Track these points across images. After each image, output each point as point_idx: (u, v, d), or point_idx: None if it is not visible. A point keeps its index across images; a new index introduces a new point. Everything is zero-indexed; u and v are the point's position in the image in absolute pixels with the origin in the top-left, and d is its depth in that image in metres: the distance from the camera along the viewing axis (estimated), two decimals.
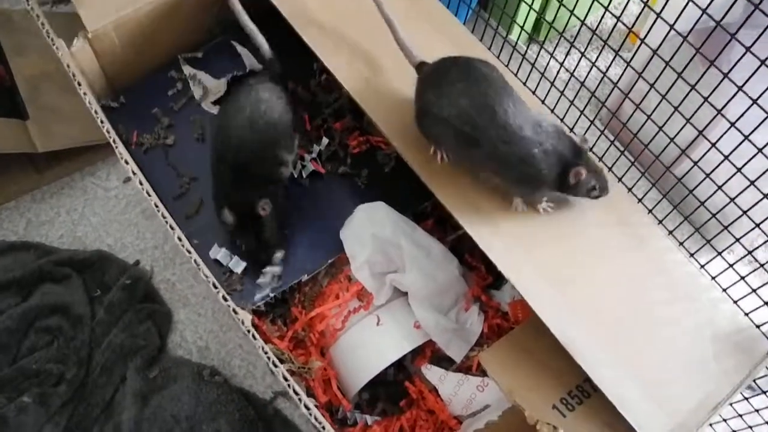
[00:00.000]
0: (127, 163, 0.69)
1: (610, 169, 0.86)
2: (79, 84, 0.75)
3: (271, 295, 0.81)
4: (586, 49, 0.87)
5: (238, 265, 0.82)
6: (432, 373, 0.82)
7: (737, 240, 0.77)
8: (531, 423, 0.65)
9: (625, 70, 0.82)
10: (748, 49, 0.63)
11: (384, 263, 0.80)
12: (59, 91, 1.10)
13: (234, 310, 0.59)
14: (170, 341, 1.01)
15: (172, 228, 0.65)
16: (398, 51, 0.76)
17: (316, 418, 0.54)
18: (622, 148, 0.88)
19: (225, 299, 0.60)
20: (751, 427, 0.84)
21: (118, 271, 1.03)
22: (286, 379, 0.54)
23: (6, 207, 1.10)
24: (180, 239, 0.64)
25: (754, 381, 0.83)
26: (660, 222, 0.85)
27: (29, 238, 1.07)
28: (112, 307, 0.98)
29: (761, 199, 0.69)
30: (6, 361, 0.93)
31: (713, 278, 0.79)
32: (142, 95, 0.94)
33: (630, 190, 0.86)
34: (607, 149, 0.90)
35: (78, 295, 0.99)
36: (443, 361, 0.83)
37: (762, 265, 0.75)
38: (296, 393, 0.54)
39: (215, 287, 0.61)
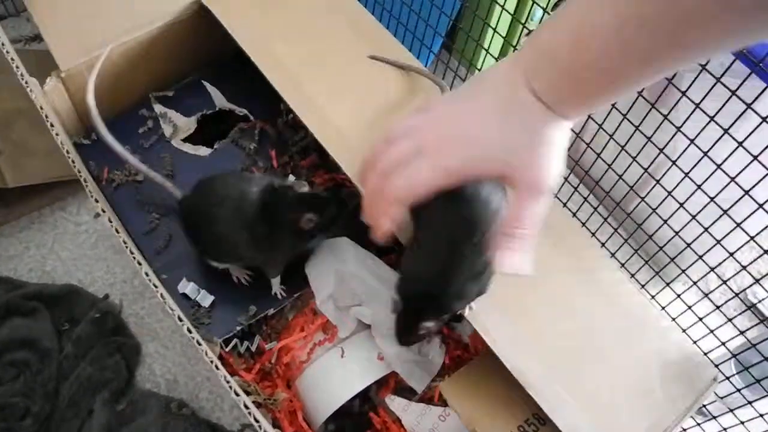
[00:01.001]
0: (96, 201, 0.71)
1: (564, 204, 0.90)
2: (52, 125, 0.77)
3: (238, 328, 0.83)
4: None
5: (206, 299, 0.84)
6: (396, 403, 0.84)
7: (683, 271, 0.81)
8: None
9: None
10: (684, 93, 0.68)
11: (348, 297, 0.82)
12: (31, 127, 1.12)
13: (198, 342, 0.61)
14: (139, 374, 1.01)
15: (139, 263, 0.67)
16: (362, 93, 0.80)
17: None
18: (575, 185, 0.93)
19: (189, 331, 0.62)
20: None
21: (87, 304, 1.04)
22: (247, 407, 0.56)
23: None
24: (147, 274, 0.66)
25: (705, 407, 0.87)
26: (612, 255, 0.89)
27: None
28: (81, 341, 0.99)
29: (702, 233, 0.73)
30: None
31: (663, 308, 0.83)
32: (113, 133, 0.95)
33: (584, 224, 0.90)
34: (561, 186, 0.95)
35: (46, 329, 0.99)
36: (406, 391, 0.85)
37: (706, 295, 0.79)
38: (257, 420, 0.55)
39: (180, 320, 0.63)
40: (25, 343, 0.97)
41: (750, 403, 0.80)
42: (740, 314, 0.81)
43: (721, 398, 0.85)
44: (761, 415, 0.78)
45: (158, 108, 0.98)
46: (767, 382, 0.77)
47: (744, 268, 0.72)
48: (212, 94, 1.00)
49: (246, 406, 0.56)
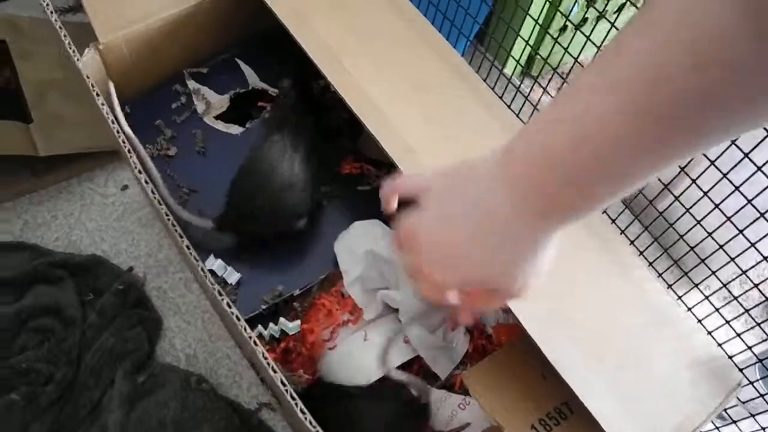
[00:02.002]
0: (140, 172, 0.71)
1: None
2: (98, 94, 0.77)
3: (263, 307, 0.83)
4: None
5: (233, 276, 0.84)
6: None
7: (713, 273, 0.80)
8: None
9: None
10: None
11: (376, 279, 0.82)
12: (64, 97, 1.13)
13: (237, 317, 0.61)
14: (159, 348, 1.02)
15: (180, 236, 0.67)
16: (400, 70, 0.79)
17: (311, 423, 0.56)
18: None
19: (229, 306, 0.62)
20: None
21: (112, 276, 1.05)
22: (284, 384, 0.56)
23: (3, 207, 1.11)
24: (189, 247, 0.66)
25: (725, 410, 0.86)
26: (641, 254, 0.88)
27: (25, 240, 1.08)
28: (104, 311, 0.99)
29: (736, 235, 0.72)
30: None
31: (689, 309, 0.83)
32: (146, 107, 0.97)
33: (614, 221, 0.90)
34: None
35: (71, 298, 1.00)
36: (427, 377, 0.85)
37: (735, 298, 0.78)
38: (293, 398, 0.56)
39: (220, 294, 0.64)
40: (50, 310, 0.98)
41: None
42: (765, 321, 0.81)
43: (743, 403, 0.85)
44: None
45: (192, 84, 0.99)
46: None
47: None
48: (246, 73, 1.00)
49: (283, 383, 0.56)
